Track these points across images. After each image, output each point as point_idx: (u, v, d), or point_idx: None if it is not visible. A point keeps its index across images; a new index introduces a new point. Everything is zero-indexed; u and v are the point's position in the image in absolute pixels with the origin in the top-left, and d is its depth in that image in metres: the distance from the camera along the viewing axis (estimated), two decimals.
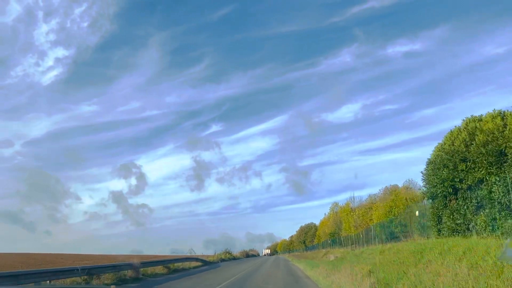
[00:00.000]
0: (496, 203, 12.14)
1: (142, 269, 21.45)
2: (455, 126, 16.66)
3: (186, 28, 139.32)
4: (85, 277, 15.75)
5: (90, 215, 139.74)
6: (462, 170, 14.52)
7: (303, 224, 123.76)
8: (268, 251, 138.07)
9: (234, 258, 52.78)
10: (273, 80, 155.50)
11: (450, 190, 15.56)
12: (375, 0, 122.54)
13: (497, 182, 12.24)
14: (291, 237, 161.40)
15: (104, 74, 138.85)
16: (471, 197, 14.04)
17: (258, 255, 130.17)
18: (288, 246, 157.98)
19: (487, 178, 13.01)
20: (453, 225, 15.12)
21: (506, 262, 8.01)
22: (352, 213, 46.69)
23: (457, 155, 14.90)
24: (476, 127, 14.91)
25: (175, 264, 28.07)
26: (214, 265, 35.56)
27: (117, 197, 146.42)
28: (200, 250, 48.84)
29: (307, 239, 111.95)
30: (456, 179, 14.93)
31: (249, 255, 72.93)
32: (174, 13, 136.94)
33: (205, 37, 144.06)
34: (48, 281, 13.75)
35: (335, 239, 59.33)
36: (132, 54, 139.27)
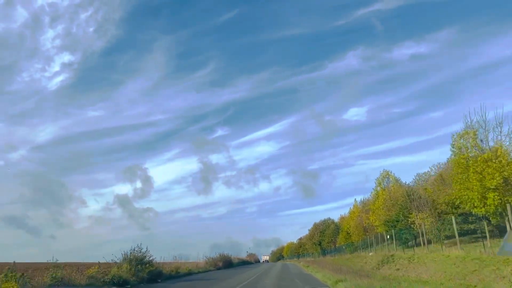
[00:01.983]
0: None
1: None
2: None
3: (191, 32, 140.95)
4: None
5: (96, 220, 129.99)
6: None
7: (317, 221, 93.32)
8: (267, 257, 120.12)
9: (155, 279, 20.24)
10: (278, 84, 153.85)
11: None
12: (380, 2, 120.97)
13: None
14: (300, 239, 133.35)
15: (110, 79, 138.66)
16: None
17: (258, 261, 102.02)
18: (297, 250, 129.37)
19: None
20: None
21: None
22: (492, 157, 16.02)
23: None
24: None
25: None
26: None
27: (123, 202, 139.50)
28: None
29: (325, 240, 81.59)
30: None
31: (232, 263, 40.99)
32: (179, 18, 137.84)
33: (210, 41, 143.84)
34: None
35: (403, 231, 28.98)
36: (137, 58, 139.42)
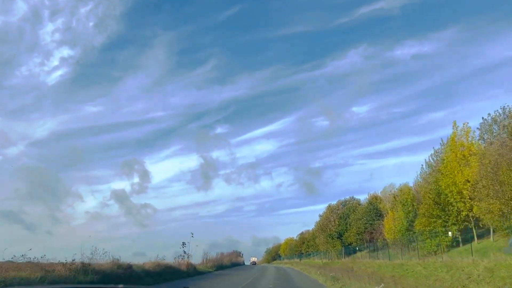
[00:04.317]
0: None
1: None
2: None
3: (192, 28, 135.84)
4: None
5: (94, 216, 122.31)
6: None
7: (332, 203, 60.51)
8: (255, 259, 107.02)
9: None
10: (279, 82, 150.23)
11: None
12: (383, 1, 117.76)
13: None
14: (302, 234, 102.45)
15: (110, 75, 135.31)
16: None
17: (240, 264, 77.29)
18: (298, 248, 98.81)
19: None
20: None
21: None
22: None
23: None
24: None
25: None
26: None
27: (122, 198, 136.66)
28: None
29: (351, 230, 48.86)
30: None
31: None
32: (181, 14, 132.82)
33: (212, 38, 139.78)
34: None
35: None
36: (138, 54, 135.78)
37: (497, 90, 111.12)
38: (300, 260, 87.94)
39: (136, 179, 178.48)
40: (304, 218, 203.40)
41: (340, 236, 52.09)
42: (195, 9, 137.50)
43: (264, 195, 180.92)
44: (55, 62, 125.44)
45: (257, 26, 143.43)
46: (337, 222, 54.50)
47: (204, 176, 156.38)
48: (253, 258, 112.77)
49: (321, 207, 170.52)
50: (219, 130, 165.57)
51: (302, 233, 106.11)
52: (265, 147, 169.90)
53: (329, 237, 53.90)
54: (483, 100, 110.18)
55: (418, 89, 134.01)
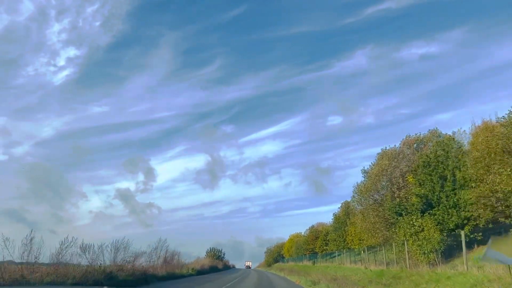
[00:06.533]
0: None
1: None
2: None
3: (198, 28, 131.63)
4: None
5: (98, 217, 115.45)
6: None
7: (387, 146, 29.03)
8: (249, 263, 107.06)
9: None
10: (284, 82, 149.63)
11: None
12: (391, 1, 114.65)
13: None
14: (313, 227, 73.40)
15: (115, 75, 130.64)
16: None
17: (221, 268, 62.97)
18: (309, 245, 68.05)
19: None
20: None
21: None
22: None
23: None
24: None
25: None
26: None
27: (126, 199, 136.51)
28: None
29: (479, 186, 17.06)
30: None
31: None
32: (186, 13, 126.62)
33: (217, 38, 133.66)
34: None
35: None
36: (143, 54, 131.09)
37: (504, 92, 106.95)
38: (314, 263, 56.59)
39: (141, 179, 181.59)
40: (308, 220, 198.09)
41: (429, 207, 20.65)
42: (200, 8, 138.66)
43: (269, 196, 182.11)
44: (61, 62, 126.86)
45: (263, 26, 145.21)
46: (412, 181, 23.13)
47: (208, 176, 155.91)
48: (248, 262, 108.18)
49: (326, 209, 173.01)
50: (224, 130, 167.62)
51: (313, 227, 75.20)
52: (270, 148, 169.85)
53: (396, 211, 22.34)
54: (490, 101, 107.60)
55: (424, 90, 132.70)
